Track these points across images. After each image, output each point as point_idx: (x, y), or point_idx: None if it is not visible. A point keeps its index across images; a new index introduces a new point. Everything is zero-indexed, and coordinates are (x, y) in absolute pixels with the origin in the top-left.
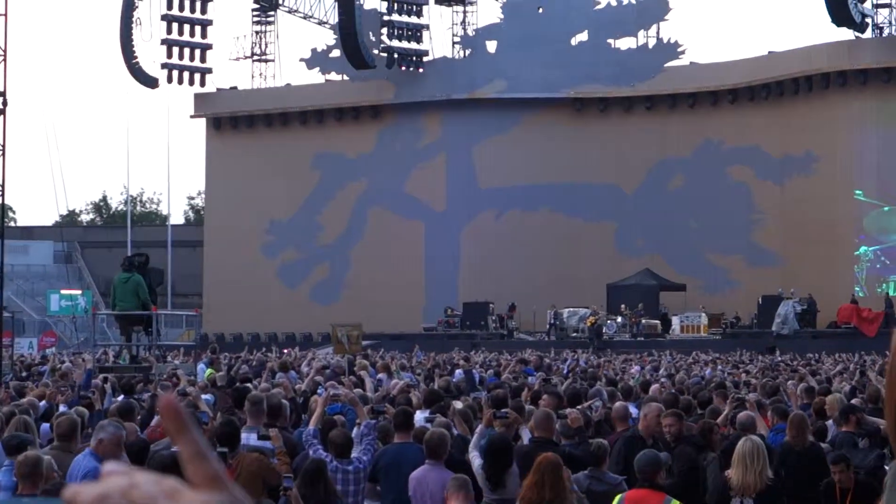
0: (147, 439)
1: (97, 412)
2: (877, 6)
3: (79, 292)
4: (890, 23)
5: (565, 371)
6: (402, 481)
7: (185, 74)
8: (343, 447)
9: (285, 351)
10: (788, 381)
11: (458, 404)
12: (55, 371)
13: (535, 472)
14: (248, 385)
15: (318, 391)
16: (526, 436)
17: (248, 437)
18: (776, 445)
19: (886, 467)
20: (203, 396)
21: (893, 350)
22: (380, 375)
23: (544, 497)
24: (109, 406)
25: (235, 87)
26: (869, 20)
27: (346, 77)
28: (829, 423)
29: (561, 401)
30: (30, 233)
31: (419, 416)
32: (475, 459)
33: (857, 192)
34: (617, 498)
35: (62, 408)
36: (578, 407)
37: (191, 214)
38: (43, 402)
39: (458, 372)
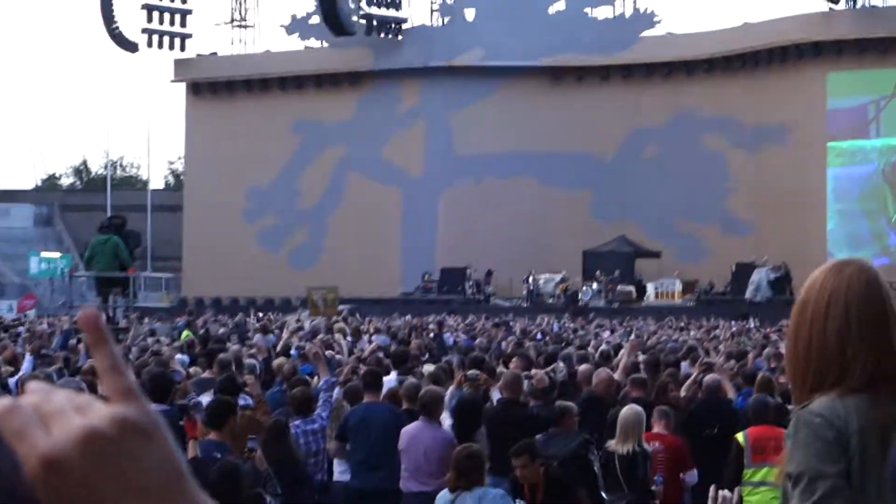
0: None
1: (59, 371)
2: None
3: (58, 255)
4: None
5: (538, 335)
6: (371, 440)
7: (166, 39)
8: (303, 403)
9: (266, 315)
10: (752, 350)
11: (428, 367)
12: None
13: None
14: (223, 346)
15: (291, 353)
16: (496, 397)
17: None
18: (742, 408)
19: (591, 457)
20: (178, 356)
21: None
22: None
23: None
24: (84, 365)
25: (215, 53)
26: None
27: (325, 43)
28: None
29: (530, 363)
30: (11, 196)
31: (391, 378)
32: (445, 420)
33: (832, 162)
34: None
35: (26, 365)
36: (543, 370)
37: (171, 179)
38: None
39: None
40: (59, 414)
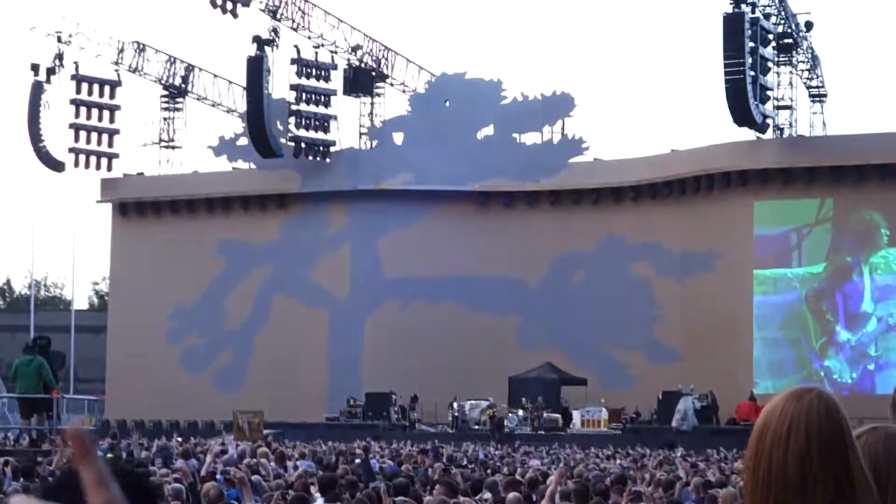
0: None
1: None
2: (778, 108)
3: None
4: (790, 124)
5: (464, 462)
6: None
7: (93, 159)
8: None
9: (183, 439)
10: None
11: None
12: None
13: None
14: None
15: (217, 478)
16: None
17: None
18: None
19: None
20: None
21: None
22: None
23: None
24: (9, 489)
25: (142, 173)
26: (770, 121)
27: (253, 165)
28: None
29: (455, 490)
30: None
31: None
32: None
33: (756, 290)
34: None
35: None
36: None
37: (95, 300)
38: None
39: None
40: None
